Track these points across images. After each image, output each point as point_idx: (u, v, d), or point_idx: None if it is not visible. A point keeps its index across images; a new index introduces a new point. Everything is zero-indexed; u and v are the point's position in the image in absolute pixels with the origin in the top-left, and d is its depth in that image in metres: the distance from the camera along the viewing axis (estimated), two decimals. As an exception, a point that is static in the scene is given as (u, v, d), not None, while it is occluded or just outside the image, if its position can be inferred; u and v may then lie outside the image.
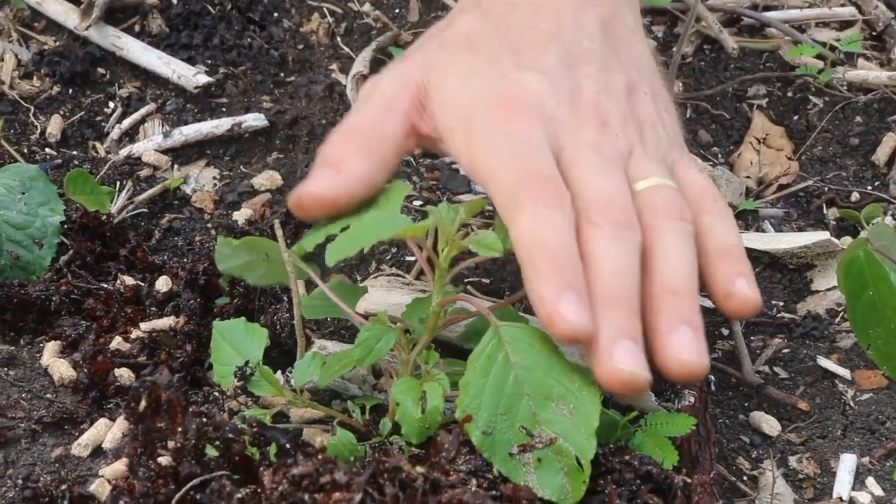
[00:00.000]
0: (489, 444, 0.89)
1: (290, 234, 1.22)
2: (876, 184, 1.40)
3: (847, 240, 1.30)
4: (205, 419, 0.85)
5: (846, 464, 1.09)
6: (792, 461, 1.10)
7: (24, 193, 1.23)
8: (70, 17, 1.50)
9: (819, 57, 1.50)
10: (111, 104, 1.45)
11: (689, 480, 0.92)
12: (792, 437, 1.13)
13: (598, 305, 0.88)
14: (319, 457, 0.84)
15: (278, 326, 1.13)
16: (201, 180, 1.38)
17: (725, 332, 1.22)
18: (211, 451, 0.86)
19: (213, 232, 1.28)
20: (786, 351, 1.21)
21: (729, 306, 0.97)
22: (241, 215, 1.30)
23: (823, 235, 1.27)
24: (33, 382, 1.09)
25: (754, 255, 1.28)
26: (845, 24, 1.59)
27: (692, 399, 1.04)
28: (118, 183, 1.35)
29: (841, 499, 1.06)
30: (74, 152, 1.39)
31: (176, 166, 1.39)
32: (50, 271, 1.21)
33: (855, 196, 1.38)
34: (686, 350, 0.90)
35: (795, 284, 1.28)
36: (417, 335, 0.97)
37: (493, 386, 0.90)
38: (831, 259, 1.27)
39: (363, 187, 1.00)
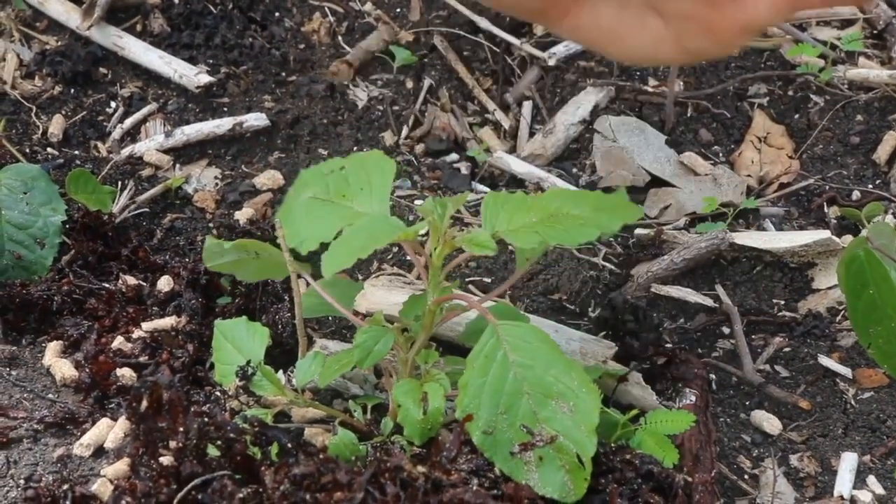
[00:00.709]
0: (490, 444, 0.89)
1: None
2: (877, 182, 1.40)
3: (848, 238, 1.30)
4: (206, 419, 0.85)
5: (847, 462, 1.09)
6: (793, 460, 1.10)
7: (25, 193, 1.24)
8: (72, 17, 1.50)
9: (820, 56, 1.50)
10: (113, 104, 1.45)
11: (690, 479, 0.92)
12: (793, 435, 1.13)
13: None
14: (321, 456, 0.85)
15: (280, 326, 1.13)
16: (203, 180, 1.38)
17: (726, 330, 1.22)
18: (212, 451, 0.86)
19: (214, 231, 1.28)
20: (787, 350, 1.21)
21: None
22: (242, 215, 1.30)
23: (824, 234, 1.27)
24: (35, 382, 1.09)
25: (755, 254, 1.28)
26: (846, 23, 1.59)
27: (693, 398, 1.04)
28: (120, 182, 1.35)
29: (842, 497, 1.06)
30: (76, 152, 1.39)
31: (177, 166, 1.39)
32: (52, 271, 1.21)
33: (856, 195, 1.38)
34: None
35: (796, 283, 1.28)
36: (415, 334, 0.98)
37: (492, 385, 0.90)
38: (832, 258, 1.27)
39: None
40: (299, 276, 1.03)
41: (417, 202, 1.31)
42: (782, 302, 1.26)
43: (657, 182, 1.39)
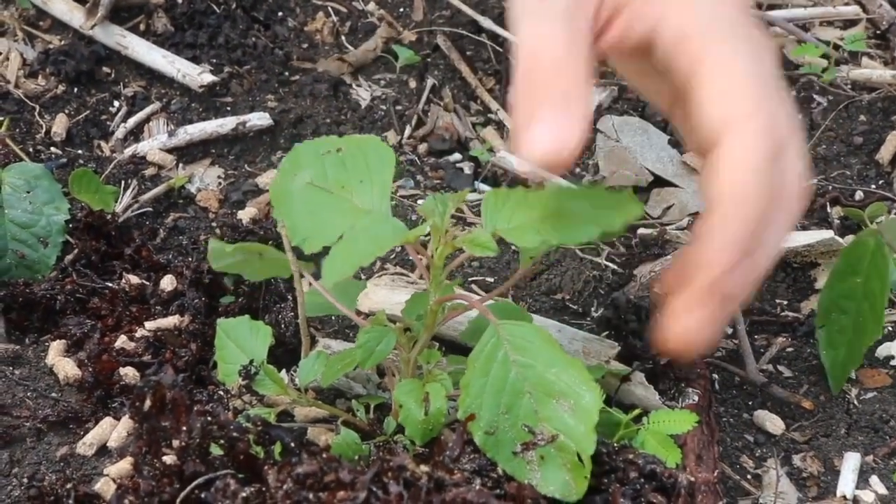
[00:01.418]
0: (493, 444, 0.89)
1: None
2: (880, 182, 1.40)
3: (851, 239, 1.30)
4: (209, 418, 0.85)
5: (850, 462, 1.09)
6: (796, 460, 1.10)
7: (29, 192, 1.24)
8: (75, 16, 1.50)
9: (823, 56, 1.50)
10: (116, 103, 1.46)
11: (692, 479, 0.92)
12: (796, 435, 1.13)
13: None
14: (324, 455, 0.84)
15: (283, 325, 1.13)
16: (206, 179, 1.38)
17: (729, 330, 1.22)
18: (215, 450, 0.86)
19: (217, 231, 1.28)
20: (790, 349, 1.21)
21: None
22: (245, 214, 1.30)
23: (827, 234, 1.27)
24: (38, 381, 1.09)
25: (758, 254, 1.28)
26: (849, 23, 1.59)
27: (696, 398, 1.04)
28: (123, 182, 1.35)
29: (845, 497, 1.06)
30: (79, 151, 1.40)
31: (181, 165, 1.39)
32: (55, 270, 1.22)
33: (859, 195, 1.38)
34: None
35: (799, 283, 1.28)
36: (417, 333, 0.98)
37: (493, 385, 0.90)
38: (835, 258, 1.27)
39: None
40: (302, 276, 1.03)
41: (420, 202, 1.31)
42: (785, 302, 1.26)
43: (660, 182, 1.39)
